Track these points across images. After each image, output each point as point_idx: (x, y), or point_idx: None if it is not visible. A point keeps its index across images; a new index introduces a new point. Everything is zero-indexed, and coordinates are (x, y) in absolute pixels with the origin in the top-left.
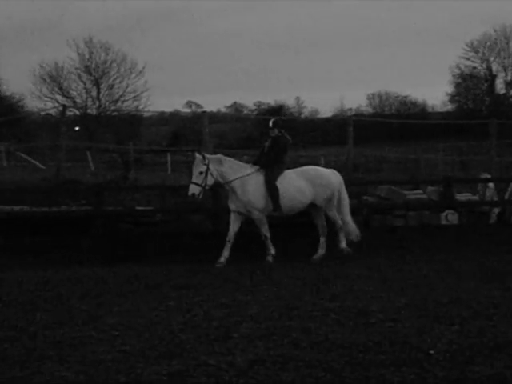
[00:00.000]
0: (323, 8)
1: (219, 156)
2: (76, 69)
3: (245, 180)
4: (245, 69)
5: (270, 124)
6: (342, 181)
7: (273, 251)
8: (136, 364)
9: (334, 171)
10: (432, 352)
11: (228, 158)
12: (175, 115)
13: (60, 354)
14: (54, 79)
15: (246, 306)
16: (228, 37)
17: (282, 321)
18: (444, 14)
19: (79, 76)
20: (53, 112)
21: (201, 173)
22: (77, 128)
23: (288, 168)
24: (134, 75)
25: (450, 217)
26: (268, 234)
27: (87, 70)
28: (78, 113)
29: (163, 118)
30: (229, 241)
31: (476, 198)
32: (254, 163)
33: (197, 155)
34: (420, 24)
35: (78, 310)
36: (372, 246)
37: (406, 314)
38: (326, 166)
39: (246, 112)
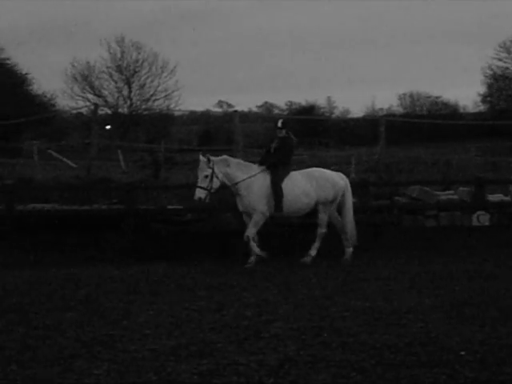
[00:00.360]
0: (355, 8)
1: (225, 157)
2: (107, 68)
3: (251, 181)
4: (276, 68)
5: (279, 124)
6: (348, 183)
7: (258, 253)
8: (167, 363)
9: (340, 174)
10: (463, 353)
11: (234, 159)
12: (206, 114)
13: (91, 352)
14: (85, 78)
15: (276, 305)
16: (259, 36)
17: (313, 321)
18: (477, 13)
19: (111, 75)
20: (84, 111)
21: (206, 176)
22: (108, 127)
23: (294, 169)
24: (165, 74)
25: (482, 218)
26: (254, 237)
27: (119, 69)
28: (109, 112)
29: (194, 118)
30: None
31: (508, 198)
32: (260, 163)
33: (201, 158)
34: (452, 24)
35: (108, 309)
36: (403, 247)
37: (436, 314)
38: (357, 166)
39: (276, 112)
